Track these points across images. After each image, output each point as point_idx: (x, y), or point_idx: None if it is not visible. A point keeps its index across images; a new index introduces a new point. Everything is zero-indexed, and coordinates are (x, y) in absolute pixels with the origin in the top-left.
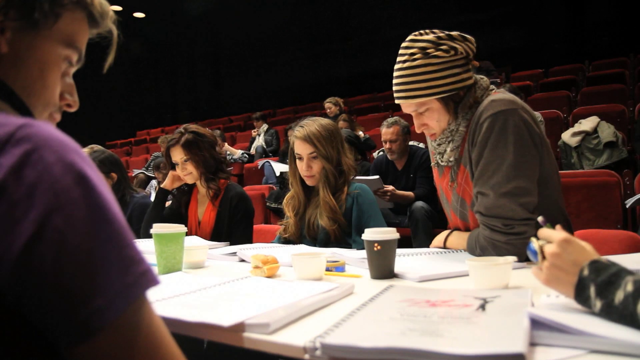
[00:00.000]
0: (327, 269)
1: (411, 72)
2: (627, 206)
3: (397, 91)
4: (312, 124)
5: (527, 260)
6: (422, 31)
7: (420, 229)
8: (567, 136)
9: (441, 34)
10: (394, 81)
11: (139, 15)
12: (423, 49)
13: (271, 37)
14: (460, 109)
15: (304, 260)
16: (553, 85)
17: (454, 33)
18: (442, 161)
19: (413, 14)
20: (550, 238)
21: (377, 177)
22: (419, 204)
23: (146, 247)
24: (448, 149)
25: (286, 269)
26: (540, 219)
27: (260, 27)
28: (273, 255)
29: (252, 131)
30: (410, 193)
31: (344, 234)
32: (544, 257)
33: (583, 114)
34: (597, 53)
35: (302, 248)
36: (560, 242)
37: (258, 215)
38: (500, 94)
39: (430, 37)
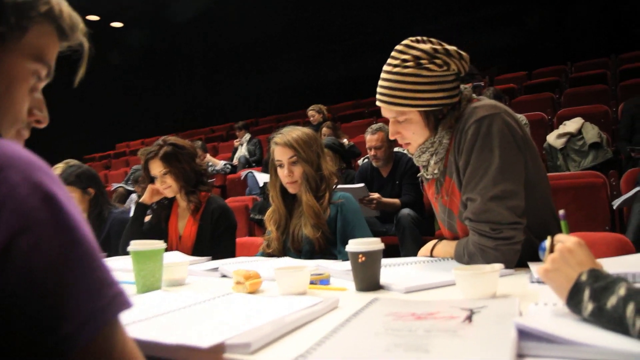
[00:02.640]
0: (312, 282)
1: (400, 78)
2: (615, 207)
3: (381, 94)
4: (291, 131)
5: (515, 267)
6: (419, 38)
7: (407, 237)
8: (552, 138)
9: (438, 47)
10: (380, 82)
11: (116, 24)
12: (417, 58)
13: (251, 46)
14: (442, 126)
15: (287, 274)
16: (537, 87)
17: (451, 48)
18: (427, 174)
19: (395, 19)
20: (566, 240)
21: (362, 185)
22: (406, 211)
23: (124, 265)
24: (432, 162)
25: (270, 284)
26: (561, 212)
27: (240, 37)
28: (255, 271)
29: (235, 141)
30: (396, 200)
31: (328, 244)
32: (551, 252)
33: (567, 115)
34: (579, 54)
35: (286, 261)
36: (575, 242)
37: (242, 227)
38: (482, 101)
39: (427, 47)
